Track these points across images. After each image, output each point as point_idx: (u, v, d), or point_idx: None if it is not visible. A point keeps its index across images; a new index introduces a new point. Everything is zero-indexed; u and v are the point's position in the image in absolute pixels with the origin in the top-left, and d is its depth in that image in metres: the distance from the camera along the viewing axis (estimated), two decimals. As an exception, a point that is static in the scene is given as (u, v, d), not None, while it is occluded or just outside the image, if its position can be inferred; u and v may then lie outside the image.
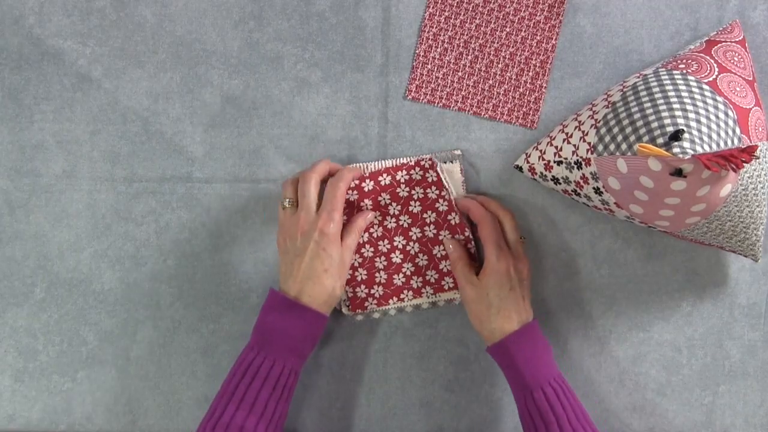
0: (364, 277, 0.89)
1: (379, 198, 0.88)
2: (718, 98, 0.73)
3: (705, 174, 0.67)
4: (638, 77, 0.80)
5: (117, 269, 0.91)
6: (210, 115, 0.90)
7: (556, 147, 0.82)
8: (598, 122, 0.77)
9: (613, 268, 0.90)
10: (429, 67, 0.89)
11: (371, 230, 0.89)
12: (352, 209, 0.87)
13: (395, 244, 0.89)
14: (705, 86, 0.74)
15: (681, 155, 0.67)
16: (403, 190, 0.88)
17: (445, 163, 0.88)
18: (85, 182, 0.90)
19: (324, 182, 0.84)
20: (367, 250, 0.89)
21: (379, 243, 0.89)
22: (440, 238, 0.88)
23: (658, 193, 0.71)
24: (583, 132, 0.79)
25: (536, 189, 0.89)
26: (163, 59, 0.90)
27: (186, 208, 0.90)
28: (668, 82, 0.75)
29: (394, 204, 0.88)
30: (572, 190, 0.82)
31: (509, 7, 0.88)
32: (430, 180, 0.87)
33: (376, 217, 0.88)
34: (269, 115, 0.90)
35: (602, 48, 0.89)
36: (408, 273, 0.90)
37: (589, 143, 0.77)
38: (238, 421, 0.76)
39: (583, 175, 0.78)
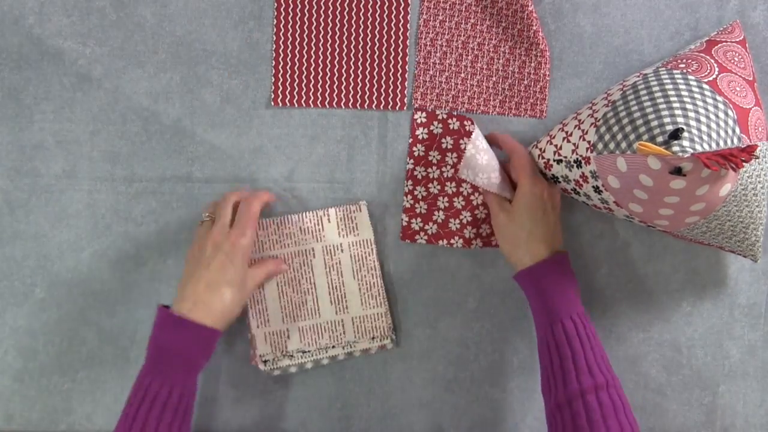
0: (423, 212, 0.90)
1: (461, 141, 0.88)
2: (718, 98, 0.73)
3: (704, 173, 0.67)
4: (638, 77, 0.80)
5: (117, 269, 0.91)
6: (210, 115, 0.90)
7: (556, 146, 0.82)
8: (598, 121, 0.77)
9: (613, 268, 0.90)
10: (431, 72, 0.89)
11: (442, 169, 0.89)
12: (433, 141, 0.89)
13: (461, 189, 0.89)
14: (705, 86, 0.74)
15: (681, 154, 0.67)
16: None
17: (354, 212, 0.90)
18: (85, 182, 0.90)
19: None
20: (434, 187, 0.90)
21: (446, 183, 0.89)
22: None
23: (658, 192, 0.71)
24: (582, 131, 0.79)
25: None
26: (163, 59, 0.90)
27: (186, 208, 0.90)
28: (668, 81, 0.75)
29: None
30: (572, 189, 0.82)
31: (501, 2, 0.88)
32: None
33: (451, 158, 0.89)
34: (269, 114, 0.90)
35: (602, 48, 0.89)
36: (464, 221, 0.90)
37: (588, 142, 0.77)
38: None
39: (583, 173, 0.78)
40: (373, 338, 0.90)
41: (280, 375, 0.90)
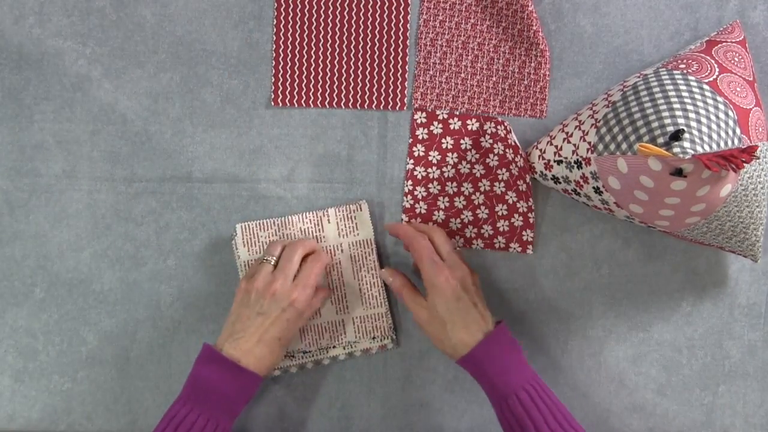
0: (423, 212, 0.90)
1: (462, 141, 0.89)
2: (719, 98, 0.73)
3: (705, 174, 0.67)
4: (638, 77, 0.80)
5: (117, 269, 0.91)
6: (210, 115, 0.90)
7: (556, 146, 0.82)
8: (599, 122, 0.77)
9: (613, 268, 0.90)
10: (431, 72, 0.89)
11: (443, 169, 0.89)
12: (433, 141, 0.89)
13: (462, 189, 0.89)
14: (705, 86, 0.74)
15: (681, 155, 0.67)
16: (486, 141, 0.88)
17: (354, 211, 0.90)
18: (85, 182, 0.90)
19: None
20: (434, 187, 0.89)
21: (447, 183, 0.89)
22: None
23: (658, 193, 0.71)
24: (583, 131, 0.79)
25: (536, 188, 0.89)
26: (163, 59, 0.90)
27: (186, 208, 0.90)
28: (668, 81, 0.75)
29: (473, 151, 0.89)
30: (572, 190, 0.82)
31: (501, 2, 0.88)
32: (510, 142, 0.87)
33: (451, 158, 0.89)
34: (269, 115, 0.90)
35: (602, 48, 0.89)
36: (465, 221, 0.90)
37: (589, 143, 0.77)
38: None
39: (583, 174, 0.78)
40: (373, 338, 0.90)
41: (280, 375, 0.90)
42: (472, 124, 0.89)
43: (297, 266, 0.83)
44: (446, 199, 0.90)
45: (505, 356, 0.79)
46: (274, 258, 0.83)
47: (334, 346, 0.90)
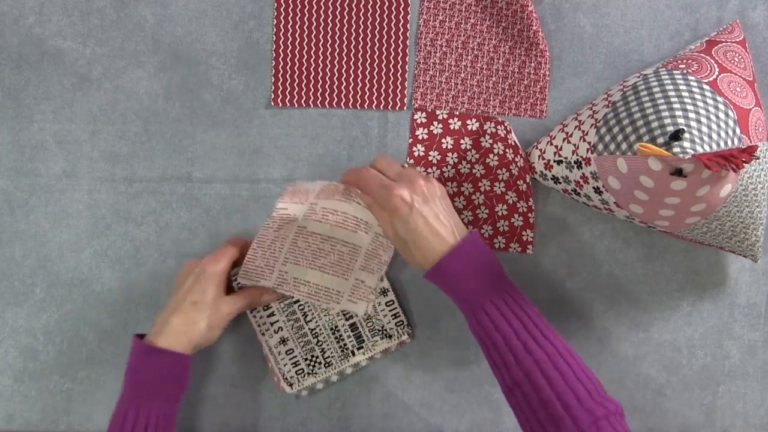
0: None
1: (462, 141, 0.89)
2: (719, 98, 0.73)
3: (705, 174, 0.67)
4: (638, 77, 0.80)
5: (117, 269, 0.91)
6: (210, 115, 0.90)
7: (556, 146, 0.82)
8: (599, 122, 0.77)
9: (613, 268, 0.90)
10: (431, 72, 0.89)
11: (443, 169, 0.89)
12: (432, 141, 0.89)
13: (462, 189, 0.89)
14: (705, 86, 0.74)
15: (681, 155, 0.67)
16: (486, 141, 0.88)
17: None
18: (85, 182, 0.90)
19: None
20: None
21: (447, 184, 0.89)
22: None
23: (658, 193, 0.71)
24: (583, 131, 0.79)
25: (536, 188, 0.89)
26: (163, 59, 0.90)
27: (186, 208, 0.90)
28: (668, 81, 0.75)
29: (473, 151, 0.89)
30: (572, 190, 0.82)
31: (501, 2, 0.88)
32: (510, 142, 0.87)
33: (451, 158, 0.89)
34: (269, 114, 0.90)
35: (602, 48, 0.89)
36: (466, 221, 0.90)
37: (589, 143, 0.77)
38: None
39: (583, 174, 0.78)
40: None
41: (307, 395, 0.89)
42: (472, 124, 0.89)
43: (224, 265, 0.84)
44: None
45: (473, 268, 0.76)
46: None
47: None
